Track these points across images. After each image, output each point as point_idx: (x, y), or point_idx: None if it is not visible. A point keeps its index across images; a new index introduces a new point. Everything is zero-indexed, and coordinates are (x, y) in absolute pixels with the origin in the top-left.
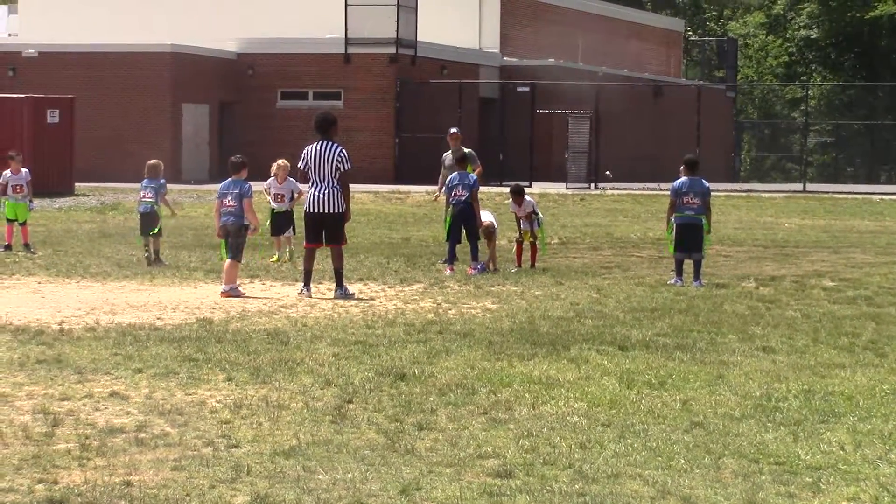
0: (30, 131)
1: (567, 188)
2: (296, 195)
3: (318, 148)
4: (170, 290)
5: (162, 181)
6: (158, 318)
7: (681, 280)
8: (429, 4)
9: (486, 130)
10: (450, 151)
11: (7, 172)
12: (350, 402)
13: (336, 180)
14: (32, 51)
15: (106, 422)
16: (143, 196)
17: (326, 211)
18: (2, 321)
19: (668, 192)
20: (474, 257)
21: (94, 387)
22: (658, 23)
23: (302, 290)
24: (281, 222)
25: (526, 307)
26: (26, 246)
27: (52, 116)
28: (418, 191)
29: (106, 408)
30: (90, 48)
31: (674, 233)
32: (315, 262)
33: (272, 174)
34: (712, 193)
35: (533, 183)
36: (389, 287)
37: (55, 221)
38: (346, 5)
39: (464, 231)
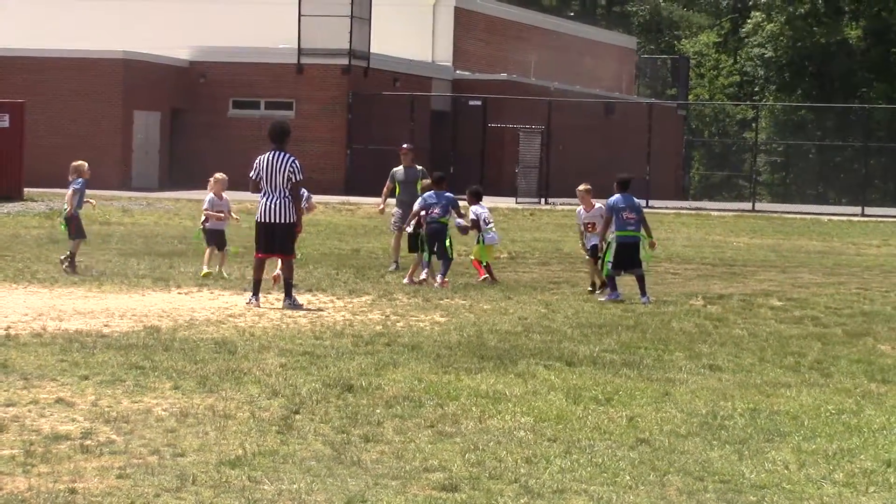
0: None
1: (517, 203)
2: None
3: (271, 158)
4: (118, 298)
5: (80, 181)
6: (106, 325)
7: (619, 294)
8: (382, 16)
9: (437, 143)
10: (401, 166)
11: None
12: (297, 412)
13: (288, 191)
14: None
15: (51, 428)
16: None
17: (277, 221)
18: None
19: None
20: (444, 273)
21: (39, 393)
22: (611, 40)
23: (251, 300)
24: (214, 236)
25: (474, 321)
26: None
27: (2, 121)
28: (369, 202)
29: (51, 414)
30: (41, 53)
31: (612, 250)
32: (264, 272)
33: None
34: (663, 210)
35: (483, 197)
36: (338, 298)
37: (3, 226)
38: (299, 16)
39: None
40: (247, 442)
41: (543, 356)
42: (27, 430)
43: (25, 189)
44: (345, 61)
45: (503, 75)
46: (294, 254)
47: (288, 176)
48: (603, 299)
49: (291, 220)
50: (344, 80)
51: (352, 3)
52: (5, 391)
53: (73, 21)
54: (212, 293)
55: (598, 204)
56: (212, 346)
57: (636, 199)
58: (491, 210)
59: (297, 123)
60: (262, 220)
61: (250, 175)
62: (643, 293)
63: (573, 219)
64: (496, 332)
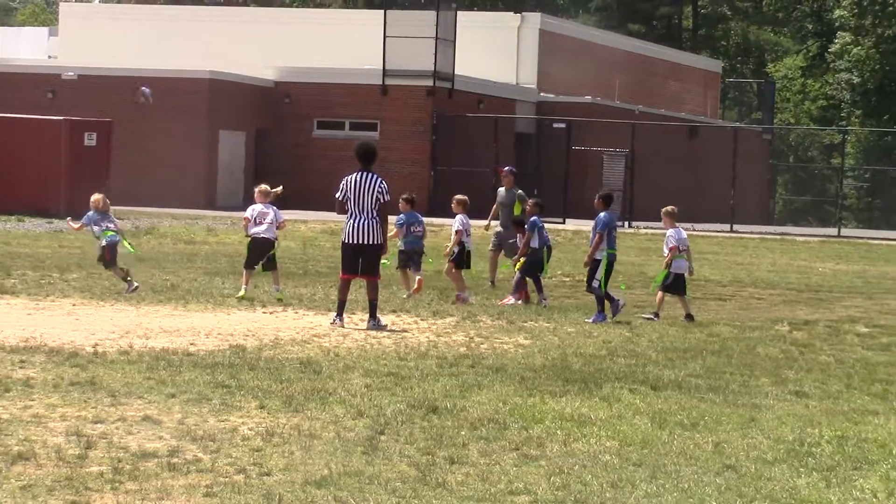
0: (67, 153)
1: None
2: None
3: (358, 179)
4: (203, 316)
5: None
6: (192, 344)
7: (605, 316)
8: (467, 38)
9: (521, 165)
10: (503, 187)
11: None
12: (382, 433)
13: (376, 212)
14: (72, 73)
15: (138, 446)
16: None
17: (366, 242)
18: (36, 342)
19: (697, 232)
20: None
21: (127, 410)
22: (696, 63)
23: (335, 320)
24: (259, 250)
25: (559, 343)
26: None
27: (90, 139)
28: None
29: (139, 432)
30: (129, 72)
31: (603, 268)
32: (350, 292)
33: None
34: (748, 235)
35: (567, 219)
36: (422, 319)
37: (90, 244)
38: (384, 37)
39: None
40: (332, 462)
41: (628, 380)
42: (115, 448)
43: (112, 207)
44: (429, 83)
45: (587, 98)
46: (379, 275)
47: (377, 197)
48: (589, 321)
49: (379, 242)
50: (428, 102)
51: (437, 25)
52: (93, 408)
53: (160, 41)
54: (296, 313)
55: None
56: (297, 365)
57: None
58: (575, 233)
59: (382, 144)
60: (350, 242)
61: (336, 195)
62: (614, 309)
63: (657, 242)
64: (581, 356)
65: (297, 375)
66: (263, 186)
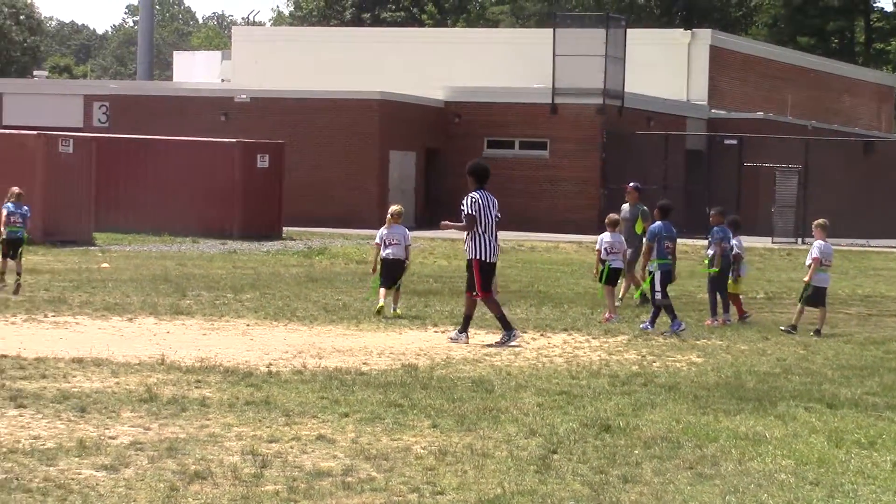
0: (240, 175)
1: (773, 242)
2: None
3: (483, 197)
4: (375, 336)
5: (26, 208)
6: (364, 363)
7: (681, 323)
8: (637, 55)
9: (692, 182)
10: (626, 204)
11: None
12: (554, 452)
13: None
14: (244, 96)
15: (313, 465)
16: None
17: (496, 260)
18: (211, 362)
19: (872, 248)
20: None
21: (301, 429)
22: (869, 77)
23: (458, 337)
24: (388, 270)
25: (732, 362)
26: None
27: (262, 161)
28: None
29: (313, 451)
30: (301, 94)
31: (658, 279)
32: (475, 308)
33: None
34: None
35: (739, 236)
36: (594, 338)
37: (263, 265)
38: (554, 55)
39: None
40: (505, 481)
41: (803, 398)
42: (290, 466)
43: (284, 228)
44: (599, 101)
45: (759, 114)
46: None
47: (497, 214)
48: (666, 332)
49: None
50: (598, 120)
51: (606, 43)
52: (268, 427)
53: (330, 63)
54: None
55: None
56: (469, 384)
57: (674, 228)
58: (747, 250)
59: (551, 163)
60: (493, 260)
61: (469, 212)
62: (652, 323)
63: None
64: (754, 374)
65: (469, 394)
66: (396, 208)
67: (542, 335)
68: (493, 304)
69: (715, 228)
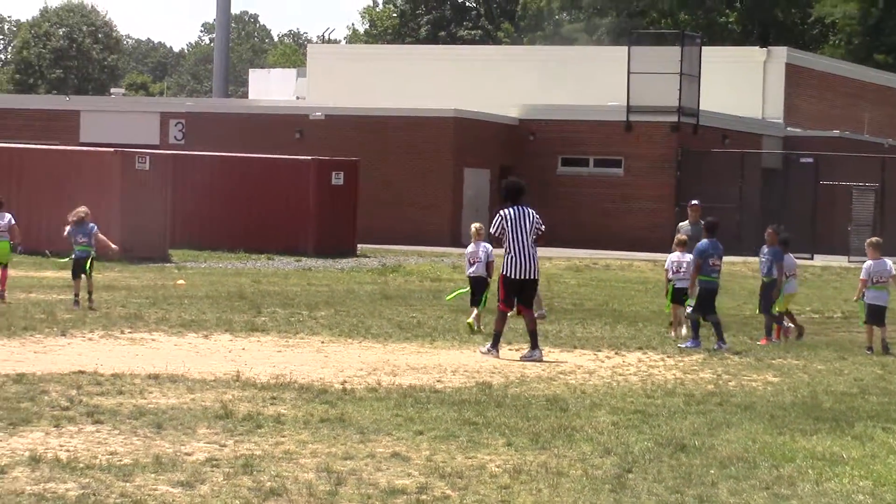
0: (315, 192)
1: (849, 261)
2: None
3: (515, 213)
4: (449, 353)
5: (91, 226)
6: (439, 381)
7: (699, 342)
8: (711, 73)
9: (767, 201)
10: (687, 221)
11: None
12: (629, 471)
13: (533, 244)
14: (319, 113)
15: (387, 482)
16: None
17: (531, 277)
18: (286, 379)
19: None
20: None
21: (376, 447)
22: None
23: (490, 350)
24: (473, 287)
25: (808, 381)
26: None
27: (337, 178)
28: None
29: (388, 468)
30: (375, 112)
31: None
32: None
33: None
34: None
35: (814, 255)
36: (668, 357)
37: (337, 282)
38: (628, 73)
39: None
40: (580, 500)
41: (881, 418)
42: (365, 484)
43: (358, 245)
44: (674, 118)
45: (836, 132)
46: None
47: (536, 228)
48: (684, 346)
49: (538, 276)
50: (673, 138)
51: (681, 61)
52: (343, 444)
53: (404, 81)
54: (541, 350)
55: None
56: (543, 402)
57: (721, 245)
58: (823, 268)
59: (625, 181)
60: (518, 277)
61: (491, 230)
62: (721, 339)
63: None
64: (831, 393)
65: (543, 412)
66: (476, 225)
67: (616, 353)
68: (500, 319)
69: (767, 249)
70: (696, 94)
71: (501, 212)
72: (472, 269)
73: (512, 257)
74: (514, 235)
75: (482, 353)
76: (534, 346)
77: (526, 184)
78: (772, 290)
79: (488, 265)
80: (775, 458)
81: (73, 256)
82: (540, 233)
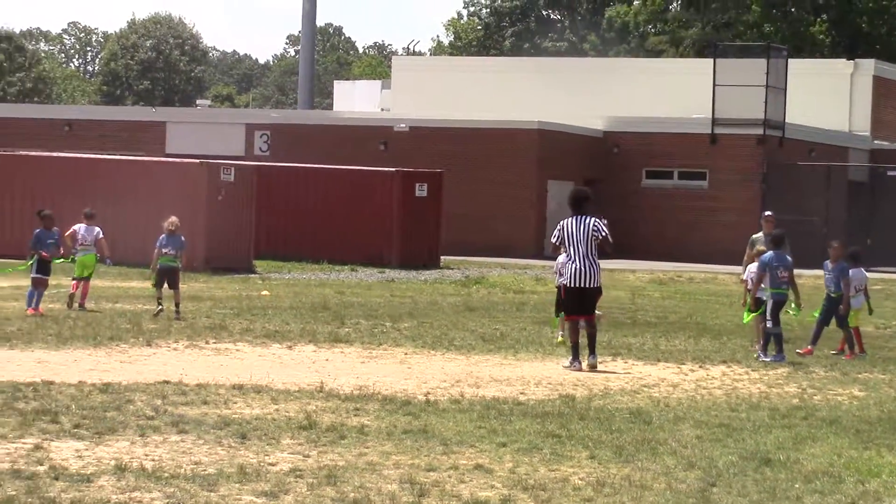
0: (399, 204)
1: None
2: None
3: (573, 222)
4: (533, 365)
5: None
6: (522, 393)
7: (784, 356)
8: (797, 86)
9: (854, 214)
10: (760, 233)
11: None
12: (714, 485)
13: (594, 253)
14: (403, 125)
15: (470, 494)
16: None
17: (590, 285)
18: (370, 390)
19: None
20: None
21: (459, 459)
22: None
23: (573, 363)
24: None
25: (895, 396)
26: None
27: (421, 190)
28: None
29: (471, 480)
30: (459, 123)
31: (769, 308)
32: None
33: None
34: None
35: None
36: (753, 370)
37: (420, 293)
38: (714, 86)
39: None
40: None
41: None
42: (447, 496)
43: (442, 257)
44: (759, 131)
45: None
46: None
47: (593, 235)
48: (767, 360)
49: (599, 284)
50: (758, 151)
51: (767, 73)
52: (426, 456)
53: (489, 92)
54: (625, 363)
55: None
56: (627, 415)
57: (789, 258)
58: None
59: (710, 194)
60: (576, 285)
61: (552, 240)
62: (763, 350)
63: None
64: None
65: (627, 425)
66: None
67: (700, 367)
68: (573, 330)
69: (831, 265)
70: (781, 107)
71: (561, 222)
72: (562, 280)
73: (570, 267)
74: (573, 245)
75: (564, 367)
76: (591, 352)
77: (590, 192)
78: (839, 306)
79: None
80: (861, 473)
81: (157, 268)
82: (598, 239)
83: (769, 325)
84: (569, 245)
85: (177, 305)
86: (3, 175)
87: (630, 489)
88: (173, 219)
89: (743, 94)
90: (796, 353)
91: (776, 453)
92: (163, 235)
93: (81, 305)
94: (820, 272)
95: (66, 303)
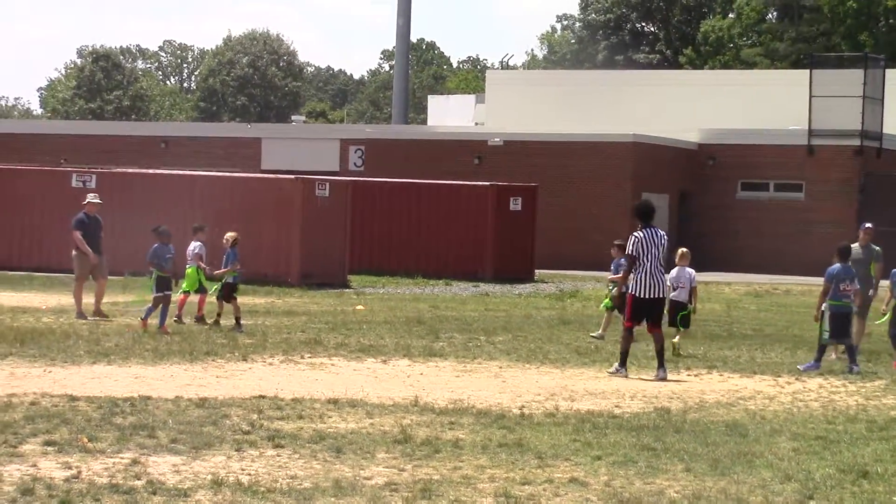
0: (493, 218)
1: None
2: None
3: (648, 235)
4: (627, 378)
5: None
6: (616, 406)
7: (819, 365)
8: (895, 96)
9: None
10: (856, 243)
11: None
12: (811, 498)
13: (662, 265)
14: (498, 139)
15: None
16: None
17: (661, 296)
18: (464, 404)
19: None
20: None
21: (554, 472)
22: None
23: (619, 370)
24: (671, 310)
25: None
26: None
27: (515, 204)
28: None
29: (566, 493)
30: (553, 137)
31: (826, 319)
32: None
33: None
34: None
35: None
36: (850, 382)
37: (515, 307)
38: (810, 97)
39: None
40: None
41: None
42: None
43: (536, 270)
44: (856, 142)
45: None
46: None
47: (664, 246)
48: (801, 368)
49: (665, 295)
50: (856, 162)
51: (864, 84)
52: (521, 469)
53: (583, 105)
54: (721, 375)
55: None
56: (722, 428)
57: (853, 270)
58: None
59: (806, 205)
60: (649, 296)
61: (628, 251)
62: (853, 362)
63: None
64: None
65: (722, 438)
66: (683, 250)
67: (797, 379)
68: (626, 337)
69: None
70: (879, 117)
71: (636, 234)
72: (675, 294)
73: (643, 277)
74: (647, 256)
75: (609, 373)
76: (660, 364)
77: (655, 205)
78: None
79: (692, 290)
80: None
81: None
82: (662, 247)
83: (825, 335)
84: (644, 256)
85: (237, 319)
86: (102, 192)
87: (726, 502)
88: (231, 234)
89: (840, 104)
90: (893, 367)
91: (874, 466)
92: (229, 250)
93: (178, 318)
94: None
95: (194, 318)
